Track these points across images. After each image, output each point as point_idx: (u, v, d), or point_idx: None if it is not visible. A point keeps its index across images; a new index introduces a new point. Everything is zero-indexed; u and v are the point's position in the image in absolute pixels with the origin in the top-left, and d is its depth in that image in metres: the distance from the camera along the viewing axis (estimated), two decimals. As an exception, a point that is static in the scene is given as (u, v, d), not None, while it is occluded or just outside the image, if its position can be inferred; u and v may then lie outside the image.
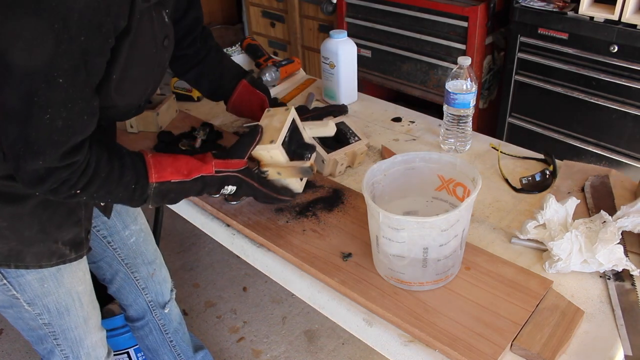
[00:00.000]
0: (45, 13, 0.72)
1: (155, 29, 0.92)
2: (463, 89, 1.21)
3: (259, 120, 1.07)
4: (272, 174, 1.04)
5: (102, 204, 1.16)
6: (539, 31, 2.01)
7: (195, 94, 1.62)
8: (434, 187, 0.99)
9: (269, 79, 1.60)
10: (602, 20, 1.84)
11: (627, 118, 1.91)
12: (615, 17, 1.80)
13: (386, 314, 0.88)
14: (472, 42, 2.21)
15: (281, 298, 2.19)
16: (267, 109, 1.10)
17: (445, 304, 0.87)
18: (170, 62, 1.13)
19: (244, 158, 1.00)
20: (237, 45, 1.75)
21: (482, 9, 2.16)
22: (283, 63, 1.65)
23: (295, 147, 1.06)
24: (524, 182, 1.17)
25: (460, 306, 0.87)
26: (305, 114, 1.25)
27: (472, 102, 1.23)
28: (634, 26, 1.79)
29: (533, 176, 1.17)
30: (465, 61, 1.20)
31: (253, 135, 1.01)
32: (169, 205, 1.13)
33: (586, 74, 1.95)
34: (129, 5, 0.82)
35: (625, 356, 0.80)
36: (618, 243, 0.90)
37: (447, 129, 1.29)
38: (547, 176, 1.17)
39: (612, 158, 1.99)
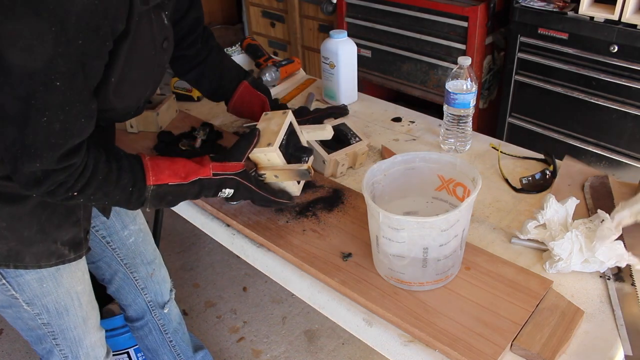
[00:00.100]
0: (44, 14, 0.72)
1: (155, 31, 0.92)
2: (463, 89, 1.21)
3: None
4: (269, 176, 1.04)
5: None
6: (539, 31, 2.01)
7: (195, 94, 1.62)
8: (434, 187, 0.99)
9: (269, 79, 1.60)
10: (602, 20, 1.84)
11: (627, 118, 1.91)
12: (615, 17, 1.80)
13: (386, 314, 0.87)
14: (472, 42, 2.21)
15: (281, 298, 2.19)
16: (264, 113, 1.10)
17: (445, 304, 0.87)
18: (171, 62, 1.13)
19: (241, 161, 1.00)
20: (237, 45, 1.75)
21: (482, 9, 2.15)
22: (283, 63, 1.65)
23: (293, 150, 1.06)
24: (524, 182, 1.17)
25: (460, 306, 0.87)
26: (306, 115, 1.24)
27: (472, 102, 1.23)
28: (634, 26, 1.79)
29: (533, 176, 1.17)
30: (465, 61, 1.20)
31: (250, 138, 1.01)
32: (168, 206, 1.13)
33: (586, 74, 1.95)
34: (127, 8, 0.81)
35: (625, 356, 0.80)
36: (617, 239, 0.90)
37: (447, 129, 1.29)
38: (547, 176, 1.17)
39: (612, 158, 1.99)
